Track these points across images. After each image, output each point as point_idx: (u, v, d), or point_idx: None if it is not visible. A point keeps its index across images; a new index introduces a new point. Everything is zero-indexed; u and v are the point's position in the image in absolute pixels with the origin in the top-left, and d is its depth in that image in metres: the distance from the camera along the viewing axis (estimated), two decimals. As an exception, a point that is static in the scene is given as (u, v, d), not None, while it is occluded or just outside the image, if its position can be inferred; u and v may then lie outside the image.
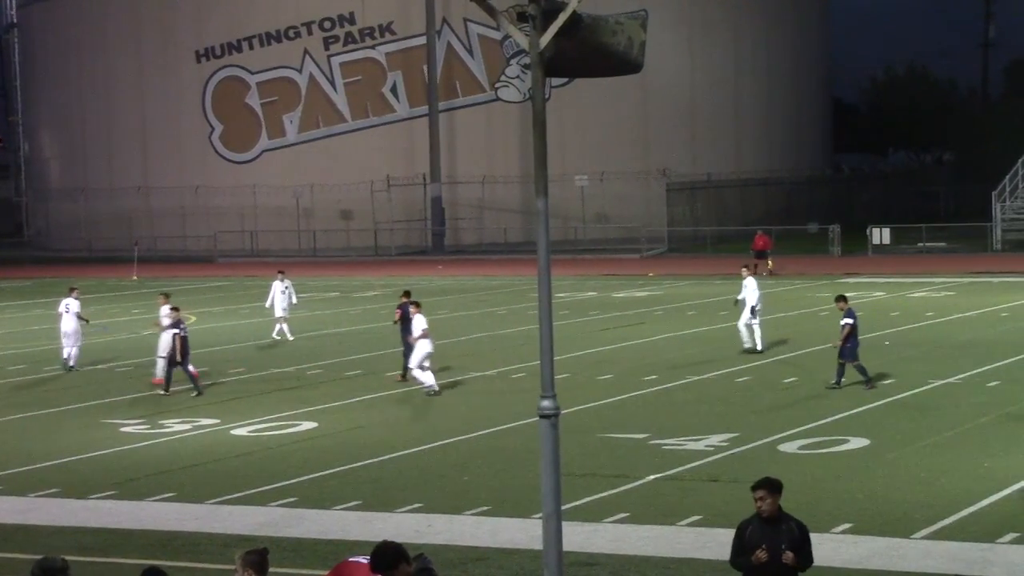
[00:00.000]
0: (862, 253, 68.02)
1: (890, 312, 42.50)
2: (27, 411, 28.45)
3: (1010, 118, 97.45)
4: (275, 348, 37.88)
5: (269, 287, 40.61)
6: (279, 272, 40.82)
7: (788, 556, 11.14)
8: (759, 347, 33.59)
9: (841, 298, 29.09)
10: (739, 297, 34.29)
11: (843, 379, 28.01)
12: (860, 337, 28.41)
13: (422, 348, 29.01)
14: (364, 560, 9.69)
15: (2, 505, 20.11)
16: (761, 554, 11.15)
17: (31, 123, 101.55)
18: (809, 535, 11.48)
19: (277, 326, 39.60)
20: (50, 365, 35.13)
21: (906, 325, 38.90)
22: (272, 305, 39.76)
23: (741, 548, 11.39)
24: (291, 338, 39.14)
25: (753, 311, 33.71)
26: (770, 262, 58.07)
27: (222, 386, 31.05)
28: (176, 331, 29.95)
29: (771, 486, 11.44)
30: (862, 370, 27.95)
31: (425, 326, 29.19)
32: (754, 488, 11.47)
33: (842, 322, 28.23)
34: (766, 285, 43.83)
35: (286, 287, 39.65)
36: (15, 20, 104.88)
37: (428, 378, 28.91)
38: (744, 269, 36.23)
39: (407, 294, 32.32)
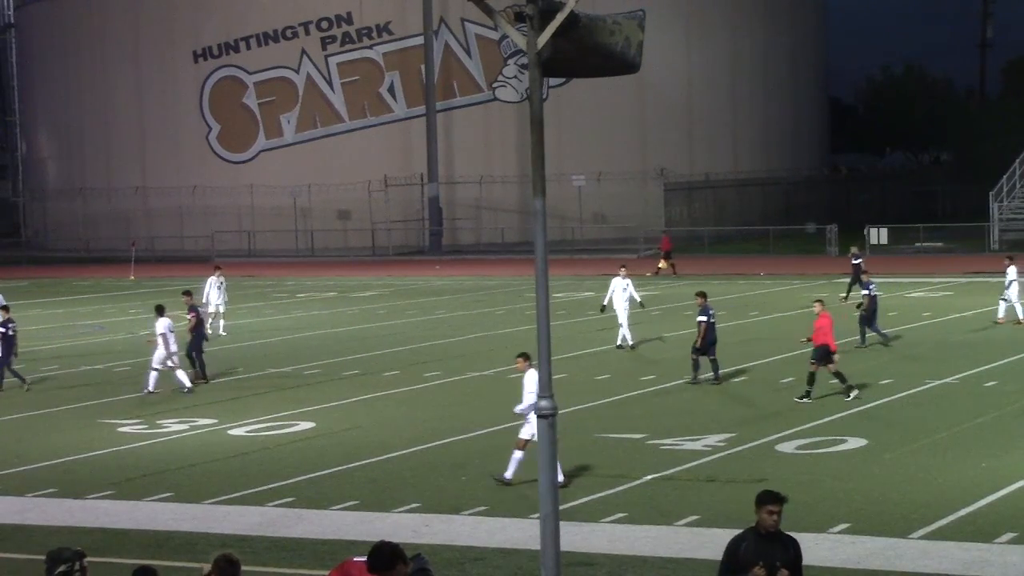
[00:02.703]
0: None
1: (887, 312, 42.45)
2: (24, 411, 28.44)
3: (1007, 118, 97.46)
4: (272, 347, 37.89)
5: (205, 283, 42.09)
6: (216, 268, 42.71)
7: (784, 574, 10.68)
8: (630, 342, 35.50)
9: (700, 294, 30.20)
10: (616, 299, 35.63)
11: (720, 373, 29.34)
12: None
13: (163, 350, 29.98)
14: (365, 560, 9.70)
15: (0, 505, 20.10)
16: (760, 571, 10.63)
17: (28, 123, 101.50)
18: (801, 551, 10.96)
19: (218, 322, 41.17)
20: (47, 365, 35.14)
21: (903, 325, 38.90)
22: (207, 300, 41.25)
23: (735, 566, 10.77)
24: (224, 333, 40.48)
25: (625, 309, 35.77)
26: (662, 264, 60.22)
27: (220, 386, 31.04)
28: (2, 330, 31.47)
29: (783, 500, 10.85)
30: (715, 365, 29.22)
31: (168, 324, 30.22)
32: (766, 502, 10.79)
33: (697, 319, 29.48)
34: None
35: (221, 283, 41.36)
36: (12, 20, 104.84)
37: (152, 377, 30.04)
38: (622, 269, 36.94)
39: (189, 294, 33.47)
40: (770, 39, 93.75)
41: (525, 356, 20.49)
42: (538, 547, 12.38)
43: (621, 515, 18.36)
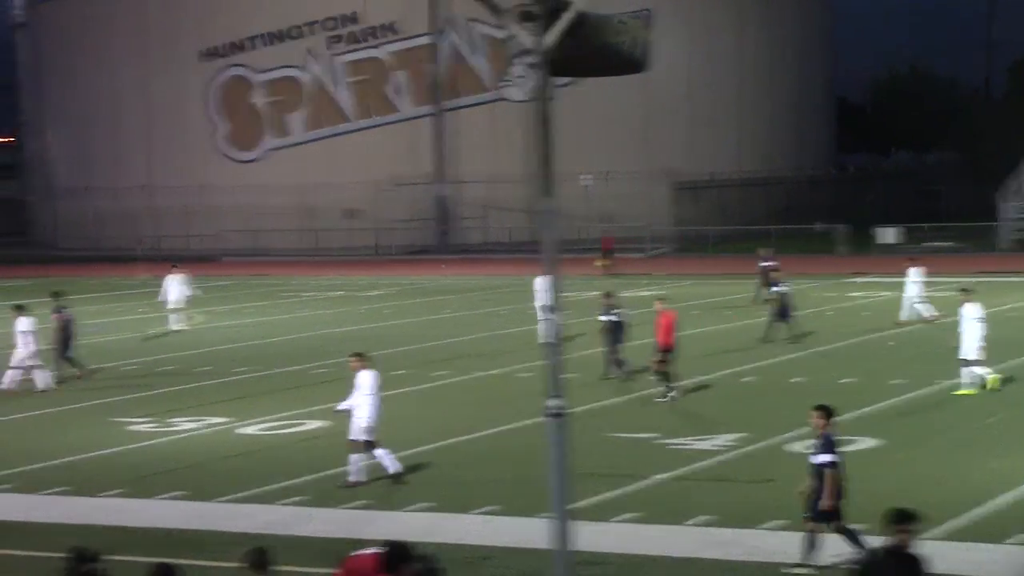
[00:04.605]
0: (867, 253, 67.97)
1: (896, 312, 42.46)
2: (35, 409, 28.51)
3: (1013, 117, 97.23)
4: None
5: (163, 281, 43.60)
6: (172, 266, 44.52)
7: None
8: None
9: (606, 295, 31.06)
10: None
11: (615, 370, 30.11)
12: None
13: (25, 348, 30.85)
14: (369, 552, 9.74)
15: (11, 503, 20.17)
16: None
17: (38, 123, 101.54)
18: None
19: (185, 316, 42.95)
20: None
21: (912, 325, 38.86)
22: (165, 299, 43.02)
23: None
24: (188, 327, 42.28)
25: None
26: (600, 262, 60.63)
27: (229, 385, 31.10)
28: None
29: (916, 519, 10.73)
30: (621, 363, 30.10)
31: (29, 325, 31.12)
32: (902, 520, 10.72)
33: (599, 317, 30.53)
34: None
35: (182, 280, 43.20)
36: (22, 20, 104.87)
37: (8, 376, 30.98)
38: None
39: (57, 295, 34.14)
40: (775, 38, 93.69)
41: (359, 355, 20.83)
42: (548, 546, 12.40)
43: (632, 514, 18.38)
